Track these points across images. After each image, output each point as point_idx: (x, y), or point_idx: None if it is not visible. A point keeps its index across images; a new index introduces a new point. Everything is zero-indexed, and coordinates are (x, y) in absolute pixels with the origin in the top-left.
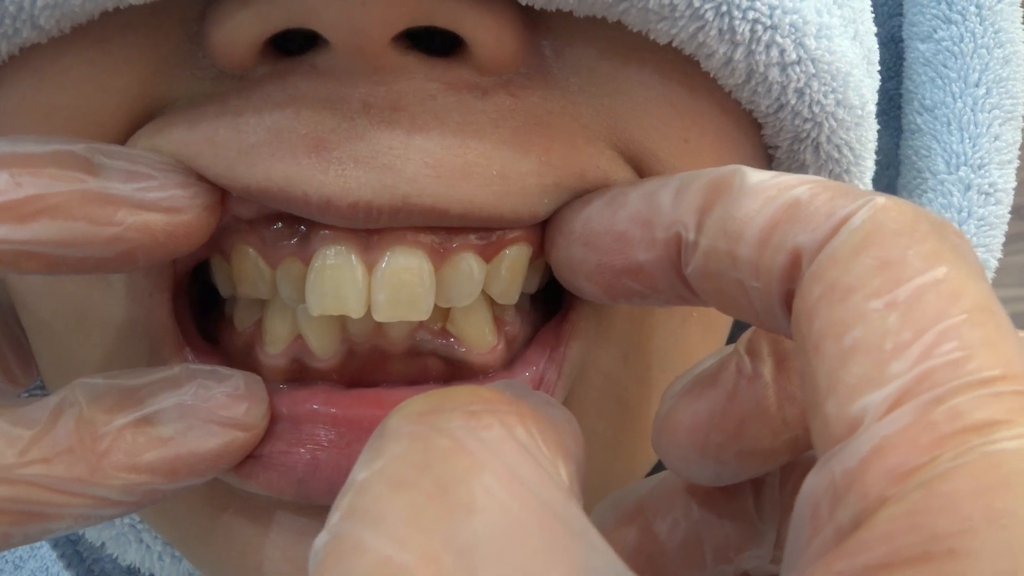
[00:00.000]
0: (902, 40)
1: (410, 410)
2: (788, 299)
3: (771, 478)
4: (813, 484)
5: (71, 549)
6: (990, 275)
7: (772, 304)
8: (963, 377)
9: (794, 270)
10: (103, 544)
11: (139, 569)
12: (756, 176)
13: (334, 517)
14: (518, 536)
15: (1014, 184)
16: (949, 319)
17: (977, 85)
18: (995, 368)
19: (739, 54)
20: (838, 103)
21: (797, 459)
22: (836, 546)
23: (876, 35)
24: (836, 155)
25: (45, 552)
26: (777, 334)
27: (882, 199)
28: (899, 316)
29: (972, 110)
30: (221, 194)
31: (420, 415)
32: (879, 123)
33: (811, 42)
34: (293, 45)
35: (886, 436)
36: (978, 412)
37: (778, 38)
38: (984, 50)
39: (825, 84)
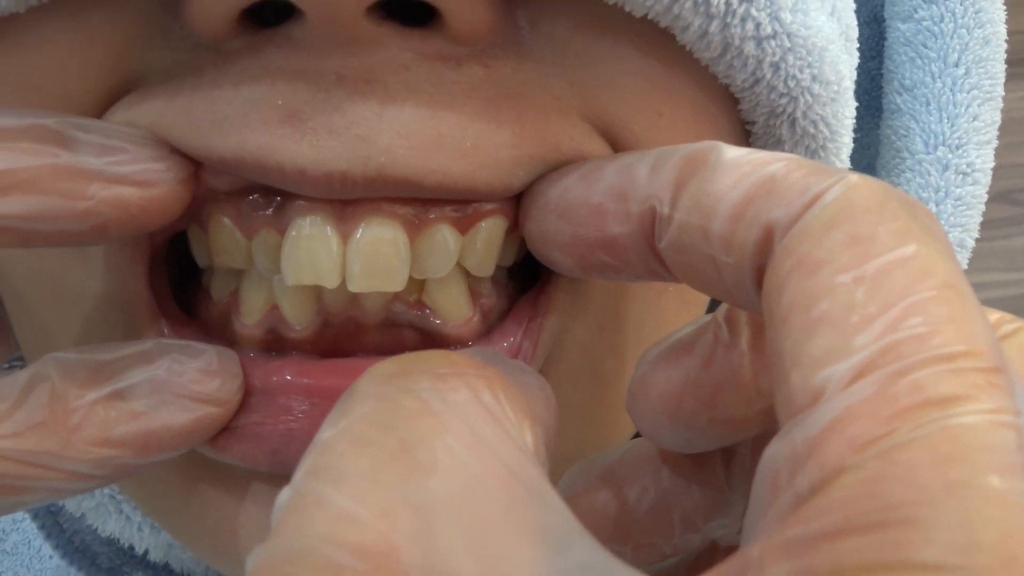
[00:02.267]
0: (884, 20)
1: (379, 372)
2: (759, 275)
3: (742, 448)
4: (774, 452)
5: (51, 520)
6: (967, 254)
7: (743, 280)
8: (927, 352)
9: (766, 245)
10: (83, 515)
11: (119, 540)
12: (732, 152)
13: (298, 474)
14: (477, 496)
15: (992, 164)
16: (916, 295)
17: (956, 65)
18: (959, 344)
19: (714, 27)
20: (814, 78)
21: (769, 430)
22: (793, 512)
23: (858, 14)
24: (812, 130)
25: (27, 525)
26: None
27: (855, 177)
28: (866, 290)
29: (951, 90)
30: (196, 167)
31: (389, 377)
32: (860, 103)
33: (787, 16)
34: (269, 17)
35: (847, 406)
36: (940, 386)
37: (753, 11)
38: (964, 30)
39: (801, 59)
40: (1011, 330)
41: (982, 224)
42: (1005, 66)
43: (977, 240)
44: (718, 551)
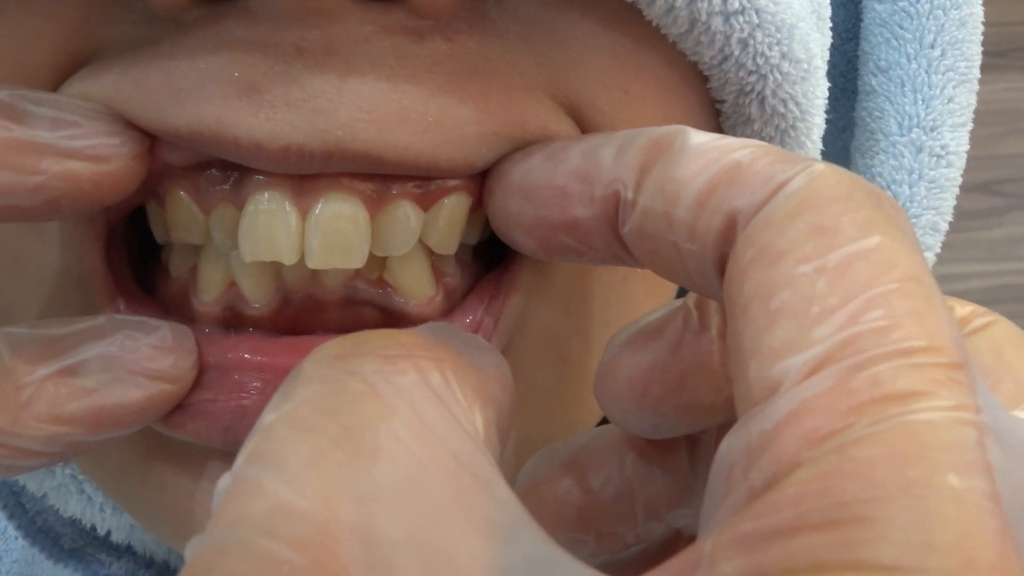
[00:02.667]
0: (861, 1)
1: (325, 353)
2: (722, 263)
3: (707, 437)
4: (730, 444)
5: (13, 500)
6: (940, 237)
7: (706, 267)
8: (887, 345)
9: (729, 233)
10: (45, 495)
11: (81, 520)
12: (698, 138)
13: (239, 459)
14: (420, 485)
15: (967, 147)
16: (878, 287)
17: (932, 47)
18: (920, 339)
19: (680, 2)
20: (783, 55)
21: (735, 419)
22: (746, 507)
23: None
24: (782, 109)
25: None
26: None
27: (820, 166)
28: (827, 281)
29: (926, 72)
30: (151, 142)
31: (334, 358)
32: (836, 85)
33: None
34: None
35: (804, 400)
36: (899, 381)
37: None
38: (940, 11)
39: (769, 35)
40: (984, 323)
41: (963, 215)
42: (990, 57)
43: (958, 231)
44: (681, 540)
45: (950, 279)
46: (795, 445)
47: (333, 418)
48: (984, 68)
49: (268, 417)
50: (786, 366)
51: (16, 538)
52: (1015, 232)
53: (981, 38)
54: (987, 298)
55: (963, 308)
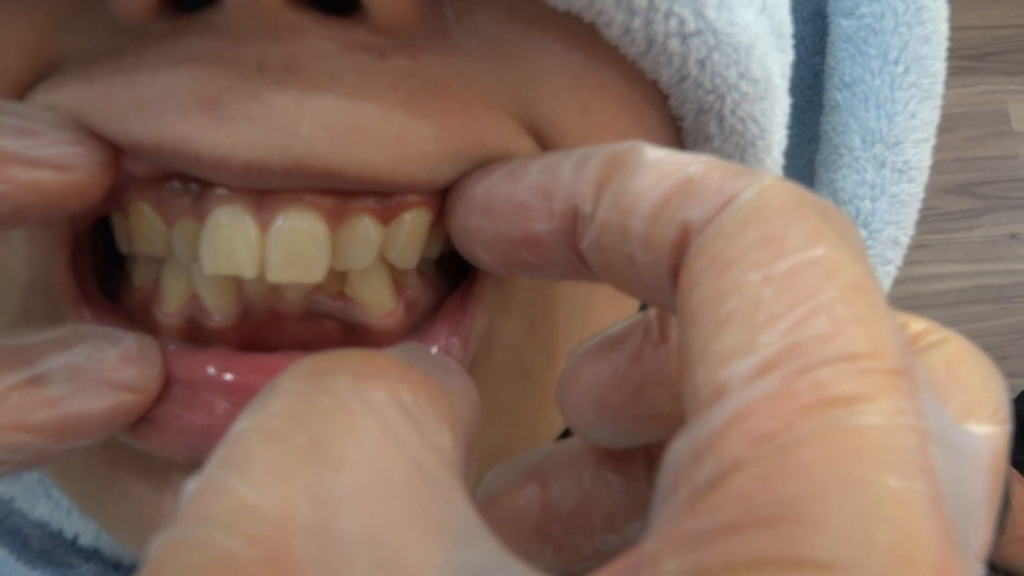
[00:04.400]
0: (827, 16)
1: (299, 370)
2: (675, 274)
3: (663, 450)
4: (677, 447)
5: None
6: (902, 251)
7: (660, 279)
8: (830, 350)
9: (682, 244)
10: (12, 498)
11: (48, 524)
12: (653, 153)
13: (208, 464)
14: (380, 491)
15: (929, 163)
16: (823, 295)
17: (896, 63)
18: (863, 345)
19: (637, 23)
20: (741, 75)
21: None
22: (689, 506)
23: (801, 10)
24: (740, 128)
25: None
26: (665, 311)
27: (770, 179)
28: (774, 289)
29: (890, 87)
30: (115, 152)
31: (309, 374)
32: (803, 99)
33: (711, 12)
34: (190, 2)
35: (748, 402)
36: (841, 385)
37: (676, 7)
38: (905, 28)
39: (727, 56)
40: (937, 339)
41: (942, 216)
42: (969, 60)
43: (937, 232)
44: None
45: (929, 280)
46: (738, 445)
47: (302, 429)
48: (963, 71)
49: (240, 426)
50: (732, 370)
51: None
52: (993, 233)
53: (946, 54)
54: (965, 298)
55: (918, 324)
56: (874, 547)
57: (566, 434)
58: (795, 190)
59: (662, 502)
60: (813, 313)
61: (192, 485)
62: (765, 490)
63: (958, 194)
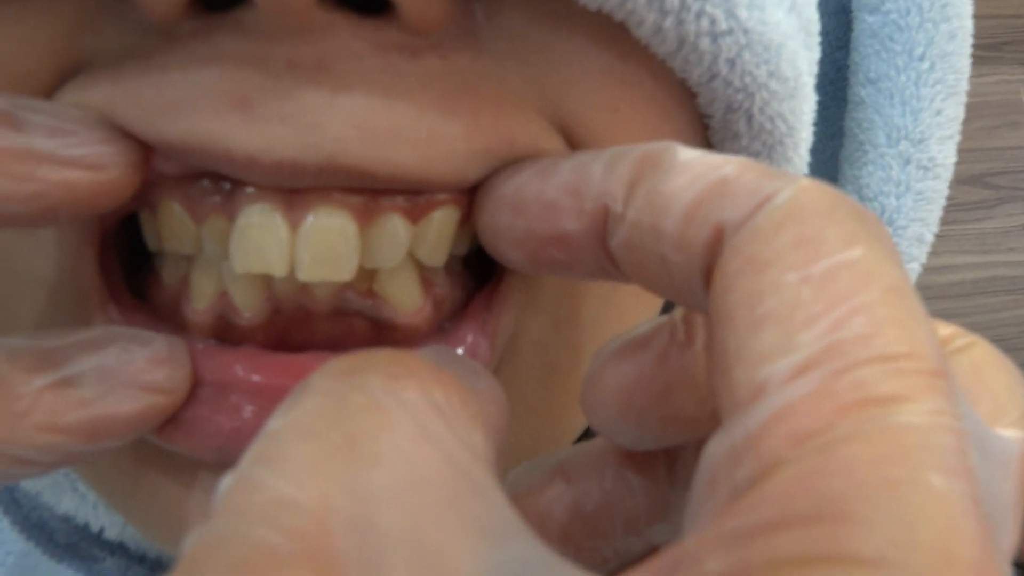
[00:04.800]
0: (851, 11)
1: (332, 369)
2: (707, 274)
3: (685, 453)
4: (714, 447)
5: (8, 496)
6: (926, 248)
7: (692, 279)
8: (869, 351)
9: (716, 245)
10: (39, 493)
11: (74, 517)
12: (686, 154)
13: (243, 461)
14: (418, 489)
15: (954, 159)
16: (861, 296)
17: (922, 59)
18: (902, 346)
19: (669, 23)
20: (770, 74)
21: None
22: (729, 505)
23: (825, 4)
24: (769, 126)
25: None
26: (693, 311)
27: (805, 181)
28: (812, 290)
29: (915, 84)
30: (146, 151)
31: (341, 374)
32: (827, 94)
33: (743, 12)
34: (219, 1)
35: (788, 402)
36: (881, 385)
37: (708, 7)
38: (930, 24)
39: (757, 55)
40: (963, 344)
41: (955, 207)
42: (983, 50)
43: (950, 223)
44: None
45: (942, 270)
46: (779, 445)
47: (337, 426)
48: (978, 61)
49: (273, 424)
50: (771, 370)
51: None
52: (1007, 224)
53: (971, 50)
54: (978, 289)
55: (944, 329)
56: (918, 545)
57: (585, 436)
58: (830, 192)
59: (700, 502)
60: (852, 314)
61: (226, 482)
62: (807, 488)
63: (972, 185)
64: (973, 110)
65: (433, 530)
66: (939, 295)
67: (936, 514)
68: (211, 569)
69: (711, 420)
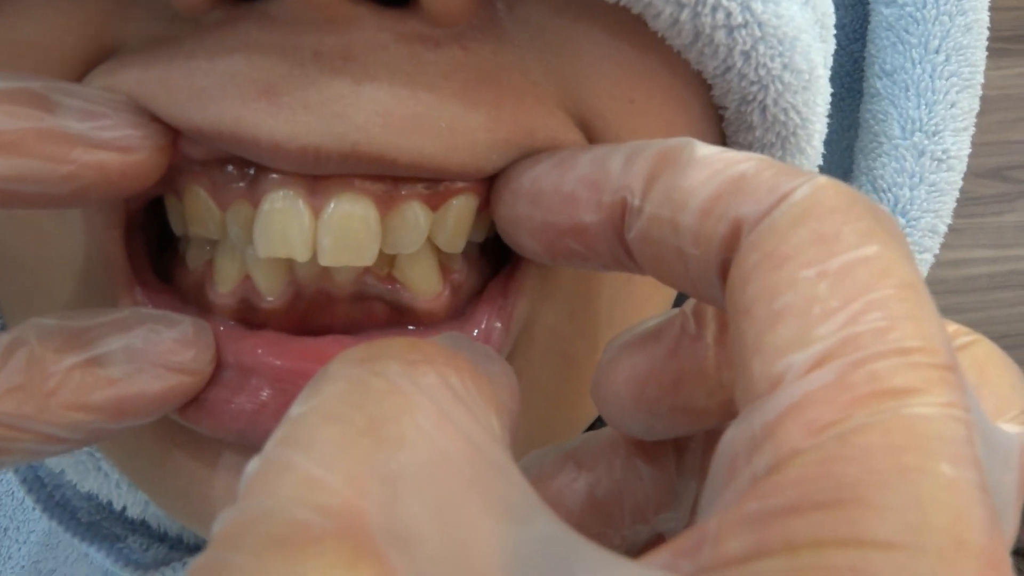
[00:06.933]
0: (868, 2)
1: (351, 356)
2: (724, 268)
3: (694, 444)
4: (732, 436)
5: (32, 474)
6: (939, 239)
7: (708, 272)
8: (885, 344)
9: (733, 240)
10: (63, 471)
11: (97, 496)
12: (704, 149)
13: (268, 444)
14: (442, 469)
15: (968, 151)
16: (876, 292)
17: (937, 52)
18: (916, 340)
19: (685, 15)
20: (784, 67)
21: (725, 426)
22: (749, 490)
23: None
24: (783, 118)
25: (11, 476)
26: (706, 304)
27: (823, 179)
28: (829, 285)
29: (931, 76)
30: (174, 135)
31: (360, 360)
32: (842, 85)
33: (758, 6)
34: None
35: (806, 393)
36: (896, 378)
37: (724, 1)
38: (946, 16)
39: (772, 48)
40: (966, 342)
41: (973, 200)
42: (1003, 42)
43: (967, 216)
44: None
45: (958, 264)
46: (797, 434)
47: (360, 410)
48: (997, 53)
49: (296, 409)
50: (788, 362)
51: (34, 508)
52: None
53: (988, 43)
54: (995, 284)
55: (948, 326)
56: (930, 529)
57: (594, 425)
58: (847, 190)
59: (719, 487)
60: (868, 308)
61: (254, 465)
62: (825, 475)
63: (989, 178)
64: (991, 103)
65: (459, 508)
66: (956, 289)
67: (947, 500)
68: (248, 547)
69: (721, 411)
